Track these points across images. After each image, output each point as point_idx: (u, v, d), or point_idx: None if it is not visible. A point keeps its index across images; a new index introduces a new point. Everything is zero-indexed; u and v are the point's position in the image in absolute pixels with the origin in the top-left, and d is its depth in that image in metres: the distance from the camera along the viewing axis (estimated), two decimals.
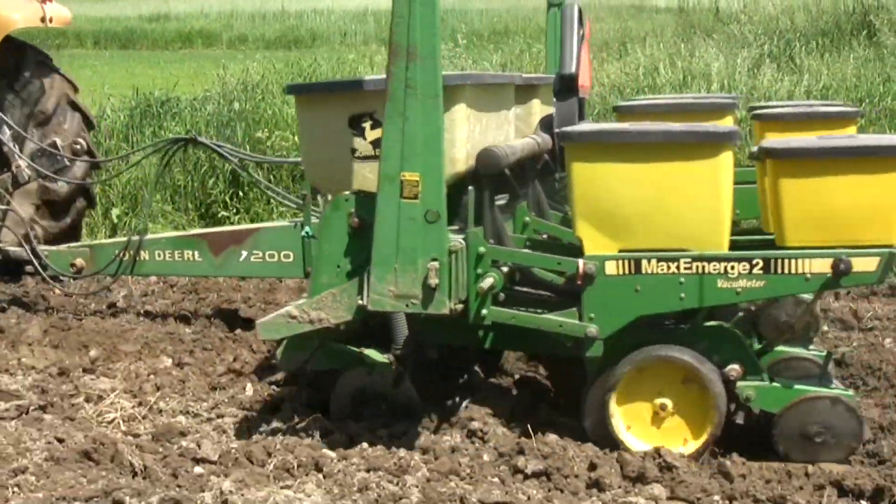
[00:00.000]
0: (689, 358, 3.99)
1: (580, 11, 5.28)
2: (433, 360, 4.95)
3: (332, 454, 3.94)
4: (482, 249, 4.04)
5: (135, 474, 3.79)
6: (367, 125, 4.02)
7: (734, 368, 4.03)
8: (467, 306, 4.02)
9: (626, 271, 3.95)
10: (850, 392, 4.14)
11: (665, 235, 3.94)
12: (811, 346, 4.83)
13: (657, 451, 3.91)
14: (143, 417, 4.43)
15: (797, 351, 4.71)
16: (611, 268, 3.96)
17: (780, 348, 4.70)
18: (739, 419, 4.25)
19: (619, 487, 3.73)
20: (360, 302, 3.92)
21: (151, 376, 4.90)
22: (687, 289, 3.92)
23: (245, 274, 5.97)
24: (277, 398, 4.70)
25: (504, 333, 4.31)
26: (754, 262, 3.89)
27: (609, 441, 4.05)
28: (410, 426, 4.20)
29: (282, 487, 3.66)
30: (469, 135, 4.20)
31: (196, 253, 5.65)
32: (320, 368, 4.45)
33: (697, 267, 3.91)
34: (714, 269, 3.91)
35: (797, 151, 3.94)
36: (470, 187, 4.03)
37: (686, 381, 4.03)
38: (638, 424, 4.07)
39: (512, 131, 4.86)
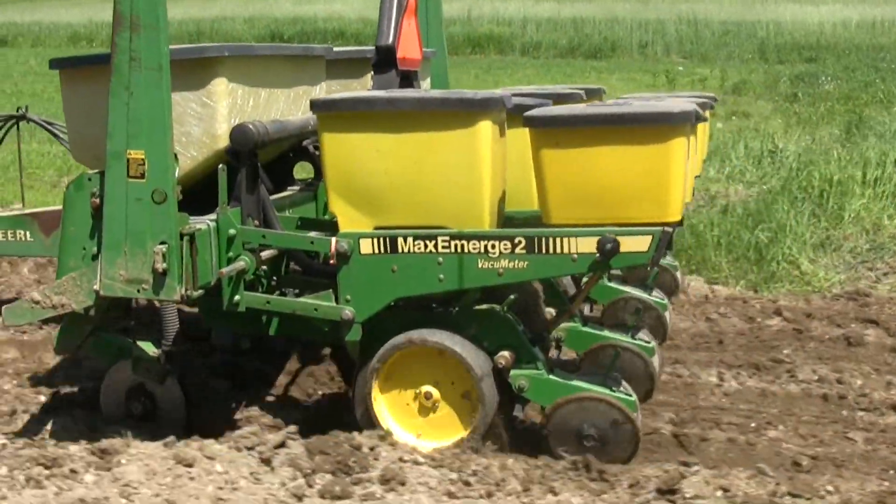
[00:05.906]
0: (452, 344, 3.69)
1: None
2: (247, 349, 4.73)
3: None
4: (232, 231, 3.80)
5: None
6: None
7: (503, 356, 3.73)
8: (220, 292, 3.78)
9: (382, 250, 3.67)
10: (633, 397, 3.78)
11: (423, 212, 3.65)
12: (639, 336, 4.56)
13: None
14: None
15: (619, 338, 4.45)
16: (366, 246, 3.68)
17: (603, 333, 4.45)
18: (519, 413, 3.96)
19: None
20: (95, 287, 3.70)
21: None
22: (446, 269, 3.64)
23: None
24: None
25: (283, 320, 4.02)
26: (516, 240, 3.59)
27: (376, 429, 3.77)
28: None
29: None
30: (234, 110, 3.92)
31: (27, 233, 5.43)
32: (91, 355, 4.26)
33: (456, 245, 3.62)
34: (473, 249, 3.61)
35: (560, 119, 3.59)
36: (221, 165, 3.78)
37: (451, 369, 3.72)
38: (403, 413, 3.78)
39: None
